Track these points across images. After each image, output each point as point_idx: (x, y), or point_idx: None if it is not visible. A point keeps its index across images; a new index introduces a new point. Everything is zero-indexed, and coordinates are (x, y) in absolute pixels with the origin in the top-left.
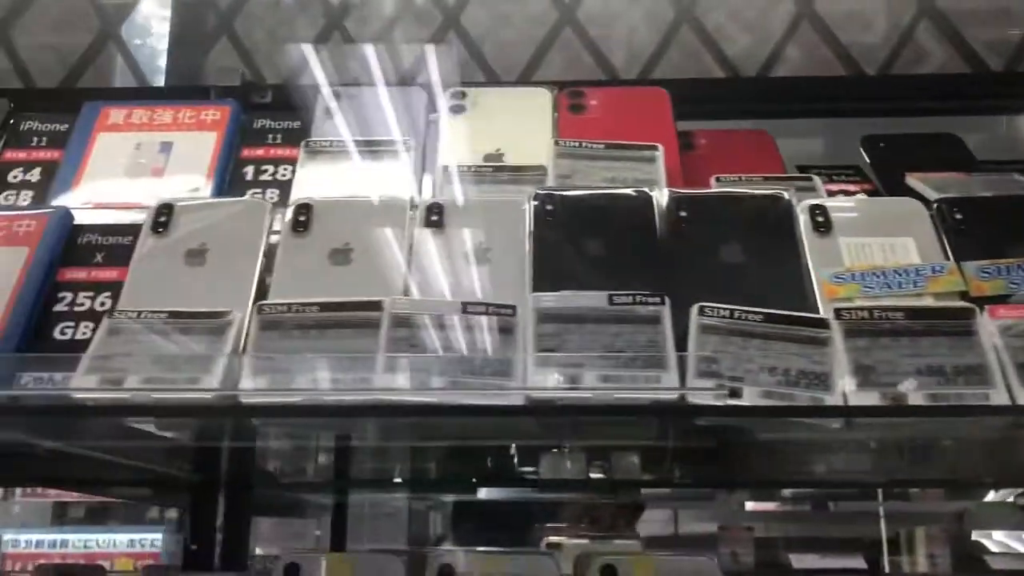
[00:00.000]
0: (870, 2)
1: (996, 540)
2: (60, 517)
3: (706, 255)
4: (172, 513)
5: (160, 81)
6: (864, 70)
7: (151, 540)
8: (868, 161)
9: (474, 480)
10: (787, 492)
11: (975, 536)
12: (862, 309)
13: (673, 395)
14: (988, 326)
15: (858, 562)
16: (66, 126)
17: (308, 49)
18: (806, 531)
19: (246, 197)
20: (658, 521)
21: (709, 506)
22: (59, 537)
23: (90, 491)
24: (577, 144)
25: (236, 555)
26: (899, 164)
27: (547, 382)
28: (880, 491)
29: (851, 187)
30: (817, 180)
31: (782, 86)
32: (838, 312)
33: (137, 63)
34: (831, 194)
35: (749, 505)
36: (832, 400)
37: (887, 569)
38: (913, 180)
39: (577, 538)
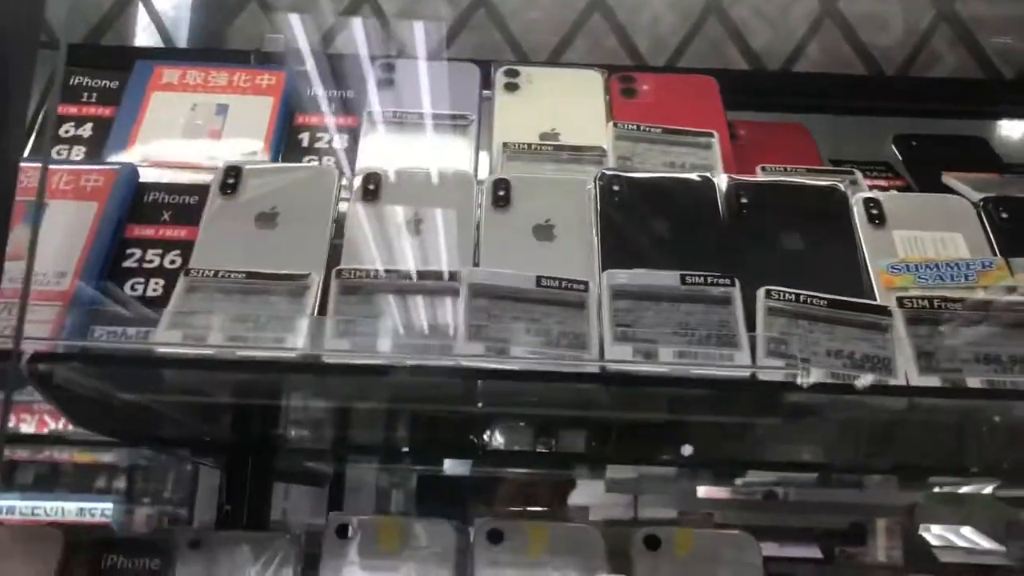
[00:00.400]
0: (889, 4)
1: (944, 535)
2: (7, 483)
3: (766, 241)
4: (121, 483)
5: (182, 43)
6: (883, 70)
7: (101, 509)
8: (900, 159)
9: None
10: (739, 480)
11: (923, 530)
12: (923, 298)
13: (745, 372)
14: None
15: (814, 551)
16: (116, 83)
17: (332, 20)
18: (760, 519)
19: (313, 163)
20: (618, 505)
21: (667, 491)
22: (5, 504)
23: (133, 444)
24: (635, 127)
25: (260, 517)
26: (931, 163)
27: (624, 356)
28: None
29: (883, 183)
30: (859, 174)
31: (802, 81)
32: (900, 300)
33: (163, 23)
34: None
35: (701, 491)
36: (896, 383)
37: (842, 559)
38: (950, 179)
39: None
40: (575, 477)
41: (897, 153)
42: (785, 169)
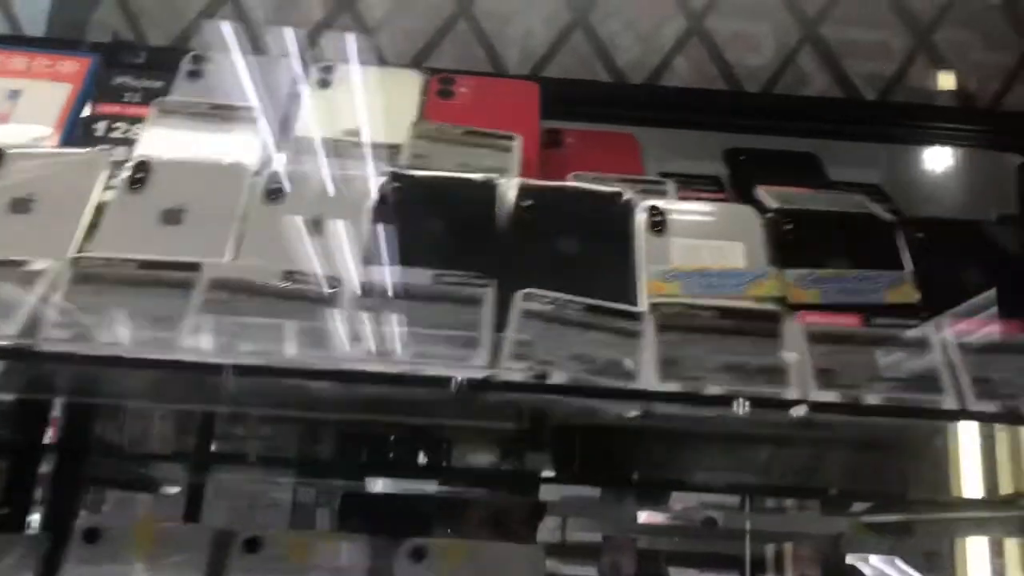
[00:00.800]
0: (757, 25)
1: (871, 564)
2: None
3: (542, 244)
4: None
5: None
6: (744, 88)
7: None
8: (728, 172)
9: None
10: (679, 506)
11: (850, 559)
12: (677, 305)
13: (481, 374)
14: (795, 330)
15: None
16: None
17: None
18: (690, 546)
19: (87, 149)
20: (546, 528)
21: (599, 514)
22: None
23: None
24: (436, 127)
25: (60, 522)
26: (755, 176)
27: (360, 355)
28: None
29: (704, 195)
30: (670, 184)
31: (664, 95)
32: (654, 307)
33: (16, 14)
34: (683, 199)
35: (642, 516)
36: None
37: None
38: (761, 192)
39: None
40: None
41: (725, 166)
42: (596, 177)
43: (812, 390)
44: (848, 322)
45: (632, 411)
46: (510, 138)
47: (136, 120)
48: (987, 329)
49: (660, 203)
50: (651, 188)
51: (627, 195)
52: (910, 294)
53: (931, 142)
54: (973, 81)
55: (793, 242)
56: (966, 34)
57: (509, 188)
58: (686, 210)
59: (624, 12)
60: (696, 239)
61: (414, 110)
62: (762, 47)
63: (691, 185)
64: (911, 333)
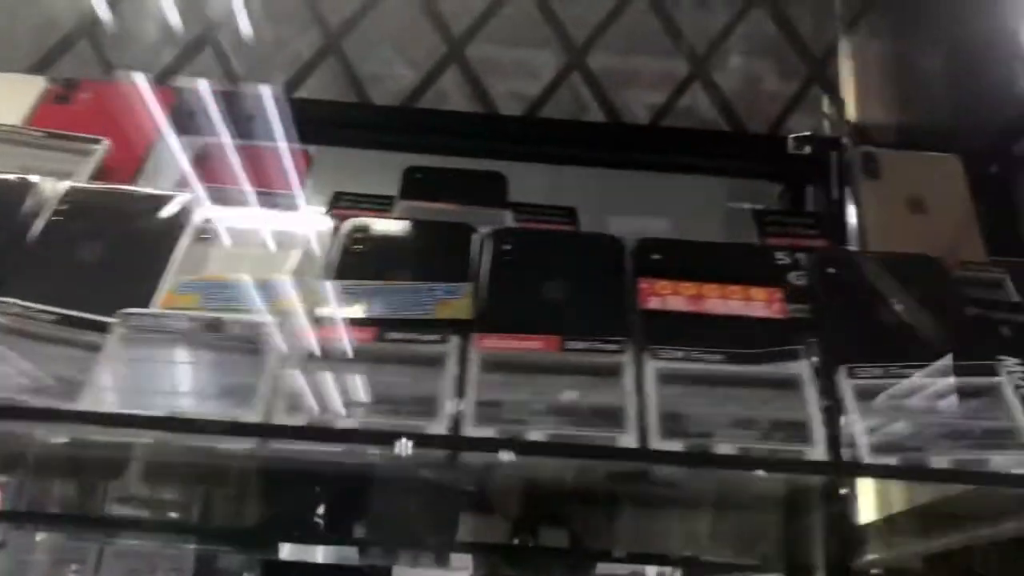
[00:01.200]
0: (537, 53)
1: None
2: None
3: (69, 248)
4: None
5: None
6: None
7: None
8: (400, 189)
9: None
10: None
11: None
12: (146, 316)
13: None
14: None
15: None
16: None
17: None
18: None
19: None
20: None
21: None
22: None
23: None
24: (12, 129)
25: None
26: (424, 194)
27: None
28: None
29: (367, 213)
30: (300, 200)
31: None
32: (125, 318)
33: None
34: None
35: None
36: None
37: None
38: (401, 206)
39: None
40: None
41: (401, 183)
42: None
43: (277, 413)
44: (361, 337)
45: (59, 437)
46: (95, 142)
47: None
48: (517, 346)
49: (215, 212)
50: (279, 203)
51: (179, 201)
52: (463, 310)
53: (701, 171)
54: (753, 110)
55: (359, 253)
56: (750, 62)
57: (59, 189)
58: (252, 219)
59: (387, 38)
60: (248, 249)
61: (21, 116)
62: (536, 74)
63: (359, 204)
64: (426, 350)
